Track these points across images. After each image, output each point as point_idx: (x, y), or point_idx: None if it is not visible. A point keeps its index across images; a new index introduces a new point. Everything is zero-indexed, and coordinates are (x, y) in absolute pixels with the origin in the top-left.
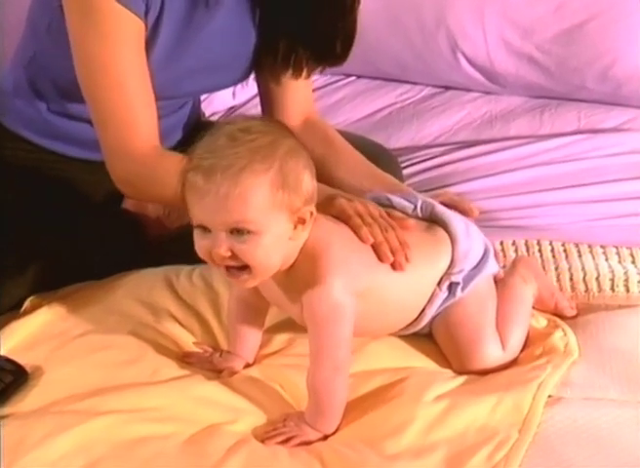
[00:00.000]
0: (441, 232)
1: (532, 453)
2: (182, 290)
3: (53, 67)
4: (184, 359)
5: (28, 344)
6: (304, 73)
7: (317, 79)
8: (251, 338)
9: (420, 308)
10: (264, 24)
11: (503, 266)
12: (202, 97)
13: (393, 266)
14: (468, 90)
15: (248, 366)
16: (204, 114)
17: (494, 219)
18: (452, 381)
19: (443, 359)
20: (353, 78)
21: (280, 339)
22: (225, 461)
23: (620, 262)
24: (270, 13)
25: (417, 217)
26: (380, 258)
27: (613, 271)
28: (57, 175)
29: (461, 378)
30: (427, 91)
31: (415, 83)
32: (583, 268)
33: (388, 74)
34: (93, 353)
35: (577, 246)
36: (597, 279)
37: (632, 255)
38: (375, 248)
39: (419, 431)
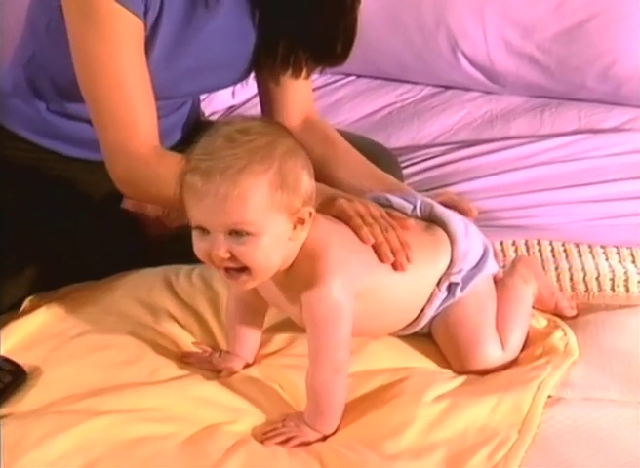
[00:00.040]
0: (440, 232)
1: (531, 454)
2: (182, 289)
3: (52, 67)
4: (183, 359)
5: (27, 344)
6: (304, 73)
7: (317, 79)
8: (250, 338)
9: (420, 308)
10: (264, 24)
11: (503, 266)
12: (201, 97)
13: (394, 266)
14: (468, 89)
15: (247, 366)
16: (203, 114)
17: (494, 219)
18: (451, 381)
19: (443, 359)
20: (353, 78)
21: (279, 339)
22: (225, 461)
23: (620, 262)
24: (270, 13)
25: (416, 217)
26: (381, 259)
27: (613, 271)
28: (56, 174)
29: (461, 379)
30: (427, 90)
31: (415, 82)
32: (584, 268)
33: (388, 74)
34: (91, 353)
35: (577, 246)
36: (597, 279)
37: (632, 255)
38: (375, 248)
39: (418, 431)
